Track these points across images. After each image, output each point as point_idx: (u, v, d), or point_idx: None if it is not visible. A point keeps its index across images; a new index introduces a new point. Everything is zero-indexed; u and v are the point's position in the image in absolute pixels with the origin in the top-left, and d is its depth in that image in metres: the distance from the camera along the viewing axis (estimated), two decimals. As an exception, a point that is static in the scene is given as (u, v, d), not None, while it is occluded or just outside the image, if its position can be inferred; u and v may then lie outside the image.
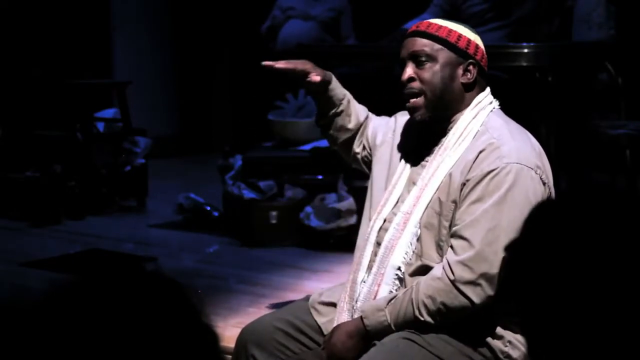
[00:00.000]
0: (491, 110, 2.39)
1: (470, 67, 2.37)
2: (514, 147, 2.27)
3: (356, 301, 2.40)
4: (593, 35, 5.15)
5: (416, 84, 2.37)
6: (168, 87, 8.57)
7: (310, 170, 5.28)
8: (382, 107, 2.73)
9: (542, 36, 5.24)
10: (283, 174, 5.25)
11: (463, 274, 2.20)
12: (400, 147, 2.52)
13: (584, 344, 1.07)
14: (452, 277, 2.21)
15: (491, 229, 2.20)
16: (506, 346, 2.30)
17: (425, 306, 2.23)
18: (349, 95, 2.65)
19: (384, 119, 2.65)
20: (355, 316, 2.38)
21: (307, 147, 5.47)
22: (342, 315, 2.43)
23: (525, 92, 4.60)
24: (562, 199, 1.23)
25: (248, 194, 5.11)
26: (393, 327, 2.28)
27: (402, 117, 2.55)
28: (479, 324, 2.29)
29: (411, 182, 2.41)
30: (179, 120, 8.63)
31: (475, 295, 2.20)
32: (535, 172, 2.26)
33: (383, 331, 2.29)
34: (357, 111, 2.65)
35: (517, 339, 2.30)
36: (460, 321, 2.27)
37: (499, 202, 2.21)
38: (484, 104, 2.39)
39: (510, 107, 2.55)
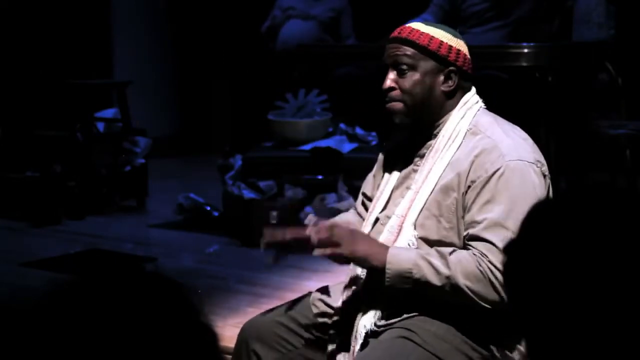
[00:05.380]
0: (478, 109, 2.40)
1: (452, 75, 2.37)
2: (511, 144, 2.28)
3: None
4: (593, 35, 5.15)
5: (396, 93, 2.39)
6: (168, 87, 8.57)
7: (310, 170, 5.28)
8: (382, 107, 2.74)
9: (542, 36, 5.24)
10: (283, 174, 5.24)
11: (497, 274, 2.17)
12: (392, 161, 2.52)
13: (583, 345, 1.07)
14: (490, 277, 2.18)
15: (511, 229, 2.18)
16: (503, 345, 2.29)
17: (464, 273, 2.19)
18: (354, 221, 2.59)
19: (369, 176, 2.64)
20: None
21: (307, 147, 5.47)
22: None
23: (525, 92, 4.60)
24: (562, 199, 1.23)
25: (248, 194, 5.10)
26: (412, 271, 2.22)
27: (389, 144, 2.56)
28: (476, 322, 2.29)
29: (405, 188, 2.42)
30: (179, 120, 8.63)
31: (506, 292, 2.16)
32: (537, 166, 2.28)
33: (398, 273, 2.23)
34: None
35: (515, 337, 2.29)
36: (466, 315, 2.26)
37: (512, 201, 2.21)
38: (471, 103, 2.40)
39: (510, 107, 2.55)
